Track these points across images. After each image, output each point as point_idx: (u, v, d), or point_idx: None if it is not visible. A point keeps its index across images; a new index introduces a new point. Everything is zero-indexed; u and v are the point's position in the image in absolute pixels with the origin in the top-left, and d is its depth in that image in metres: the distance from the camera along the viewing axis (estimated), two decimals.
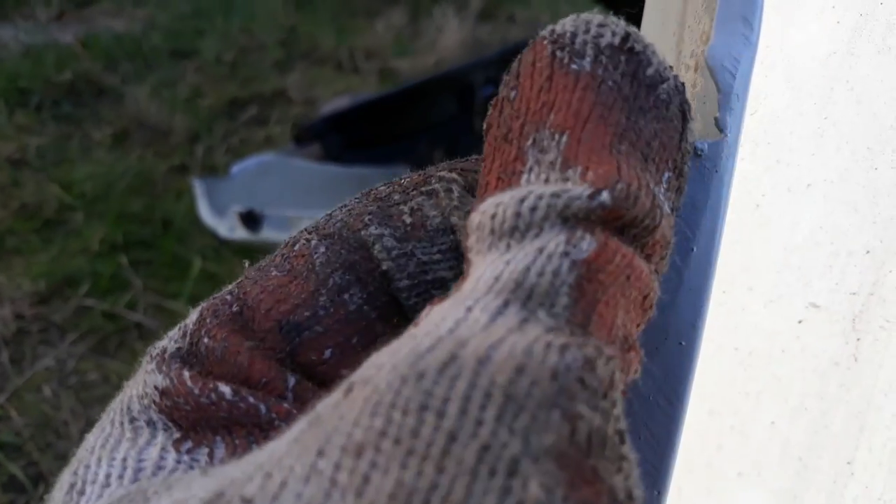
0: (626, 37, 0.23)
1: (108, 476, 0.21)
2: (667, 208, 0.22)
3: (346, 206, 0.26)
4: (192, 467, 0.21)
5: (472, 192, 0.25)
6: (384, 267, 0.24)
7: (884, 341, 0.47)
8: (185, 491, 0.19)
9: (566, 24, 0.23)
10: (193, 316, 0.25)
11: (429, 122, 1.88)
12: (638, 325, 0.21)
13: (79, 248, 1.37)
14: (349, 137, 1.64)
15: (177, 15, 2.34)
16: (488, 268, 0.19)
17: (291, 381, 0.23)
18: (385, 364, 0.17)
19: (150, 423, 0.23)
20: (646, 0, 0.47)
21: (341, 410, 0.17)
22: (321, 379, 0.23)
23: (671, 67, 0.23)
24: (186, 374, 0.23)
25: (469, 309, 0.18)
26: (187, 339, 0.24)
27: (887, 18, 0.45)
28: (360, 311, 0.24)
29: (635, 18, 0.50)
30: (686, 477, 0.47)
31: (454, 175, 0.26)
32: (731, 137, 0.32)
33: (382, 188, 0.26)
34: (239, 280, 0.25)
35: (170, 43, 2.17)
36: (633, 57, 0.23)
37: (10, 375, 1.13)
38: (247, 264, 0.26)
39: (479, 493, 0.15)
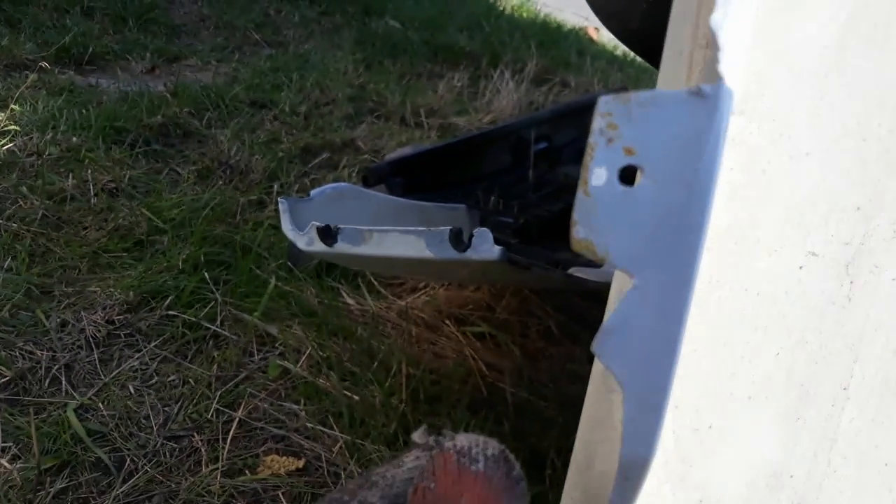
0: (503, 451, 0.40)
1: None
2: None
3: None
4: None
5: None
6: None
7: (873, 284, 0.53)
8: None
9: (465, 439, 0.38)
10: None
11: (485, 172, 2.00)
12: None
13: (165, 265, 1.51)
14: (411, 181, 1.77)
15: (257, 71, 2.55)
16: None
17: None
18: None
19: None
20: None
21: None
22: None
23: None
24: None
25: None
26: None
27: (873, 18, 0.53)
28: None
29: None
30: (703, 400, 0.51)
31: None
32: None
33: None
34: None
35: (250, 94, 2.36)
36: (507, 463, 0.39)
37: (100, 373, 1.26)
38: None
39: None
